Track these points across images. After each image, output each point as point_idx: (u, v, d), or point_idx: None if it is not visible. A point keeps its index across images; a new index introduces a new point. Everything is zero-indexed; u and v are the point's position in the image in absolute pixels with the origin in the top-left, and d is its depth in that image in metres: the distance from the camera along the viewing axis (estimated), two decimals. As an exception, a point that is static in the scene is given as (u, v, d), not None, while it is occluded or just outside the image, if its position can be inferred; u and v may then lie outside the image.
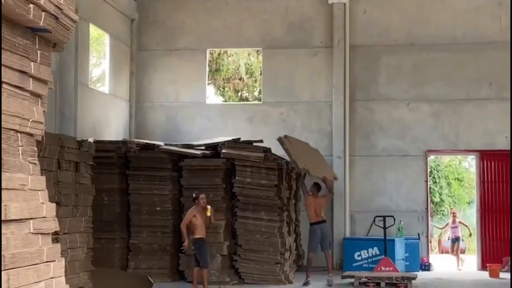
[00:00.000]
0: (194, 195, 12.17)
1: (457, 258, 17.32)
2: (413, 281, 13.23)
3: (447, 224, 18.40)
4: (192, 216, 11.91)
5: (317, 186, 14.27)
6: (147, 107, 18.04)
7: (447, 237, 27.90)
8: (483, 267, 16.56)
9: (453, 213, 18.10)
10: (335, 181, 15.48)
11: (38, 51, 4.96)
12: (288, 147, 13.51)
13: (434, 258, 18.71)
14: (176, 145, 14.82)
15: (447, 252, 24.43)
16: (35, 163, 4.81)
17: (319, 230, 13.83)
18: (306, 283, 13.36)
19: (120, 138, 16.10)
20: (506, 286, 13.69)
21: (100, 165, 11.61)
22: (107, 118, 16.57)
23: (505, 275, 15.38)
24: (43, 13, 4.74)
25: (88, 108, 15.22)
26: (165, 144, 14.72)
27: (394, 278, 13.28)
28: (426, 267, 16.62)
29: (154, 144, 14.64)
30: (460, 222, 17.94)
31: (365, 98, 17.46)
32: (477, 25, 17.18)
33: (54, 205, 4.87)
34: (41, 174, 4.96)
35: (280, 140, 13.62)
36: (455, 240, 17.50)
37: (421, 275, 15.28)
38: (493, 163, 17.05)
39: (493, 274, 15.25)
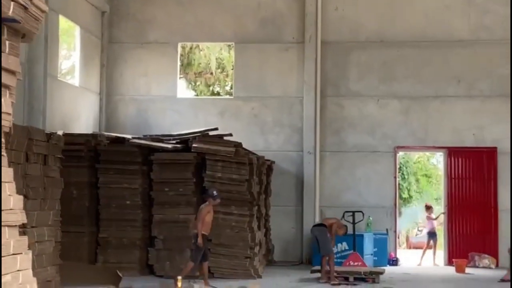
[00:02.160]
0: (211, 193, 12.18)
1: (434, 252, 17.41)
2: (380, 276, 13.35)
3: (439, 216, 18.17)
4: (207, 213, 12.02)
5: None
6: (117, 100, 17.91)
7: (415, 233, 28.39)
8: (449, 262, 16.77)
9: (428, 207, 18.11)
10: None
11: (7, 42, 4.88)
12: None
13: (402, 254, 18.87)
14: (146, 139, 14.74)
15: (415, 248, 24.72)
16: (2, 155, 4.74)
17: (313, 234, 14.03)
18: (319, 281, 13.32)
19: (90, 131, 15.96)
20: (472, 281, 13.89)
21: (69, 158, 11.50)
22: (77, 111, 16.40)
23: (471, 271, 15.61)
24: (12, 3, 4.67)
25: (57, 100, 15.05)
26: (135, 138, 14.62)
27: (362, 273, 13.40)
28: (394, 262, 16.76)
29: (124, 138, 14.54)
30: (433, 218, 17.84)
31: (335, 94, 17.53)
32: (447, 23, 17.34)
33: (21, 197, 4.81)
34: (9, 167, 4.89)
35: None
36: (432, 233, 17.57)
37: (389, 270, 15.41)
38: (460, 160, 17.25)
39: (459, 270, 15.45)
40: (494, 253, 16.71)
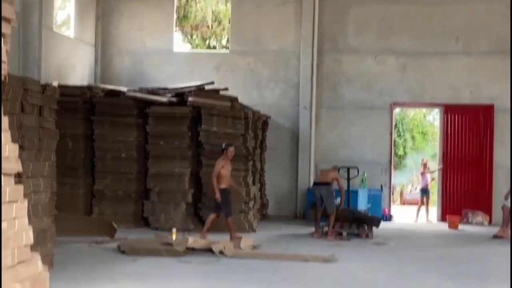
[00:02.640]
0: (223, 146, 12.31)
1: (427, 209, 17.57)
2: (374, 231, 13.50)
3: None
4: (221, 167, 12.10)
5: (334, 166, 14.30)
6: (113, 53, 17.81)
7: (410, 189, 28.61)
8: (443, 218, 16.94)
9: (424, 163, 18.19)
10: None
11: (0, -12, 4.83)
12: None
13: (396, 210, 19.05)
14: (142, 92, 14.71)
15: (409, 204, 24.92)
16: (-2, 103, 4.74)
17: (317, 192, 13.49)
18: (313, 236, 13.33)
19: (85, 83, 15.91)
20: (464, 237, 14.06)
21: (64, 110, 11.43)
22: (72, 62, 16.33)
23: (464, 227, 15.78)
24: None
25: (52, 51, 14.97)
26: (131, 90, 14.59)
27: (356, 228, 13.51)
28: (388, 218, 16.93)
29: (119, 90, 14.51)
30: (430, 173, 17.88)
31: (333, 49, 17.45)
32: (447, -22, 17.20)
33: (17, 146, 4.83)
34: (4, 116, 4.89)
35: None
36: (425, 190, 17.69)
37: (382, 225, 15.56)
38: (457, 117, 17.27)
39: (452, 226, 15.61)
40: (487, 210, 16.87)
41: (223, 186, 12.05)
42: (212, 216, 12.14)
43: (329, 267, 9.51)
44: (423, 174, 17.90)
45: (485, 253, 11.48)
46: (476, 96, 17.11)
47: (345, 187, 14.36)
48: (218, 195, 11.91)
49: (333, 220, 13.22)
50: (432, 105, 17.98)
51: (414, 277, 8.90)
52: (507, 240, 13.28)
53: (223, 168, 12.13)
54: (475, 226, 16.26)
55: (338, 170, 15.45)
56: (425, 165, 17.99)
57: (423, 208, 17.53)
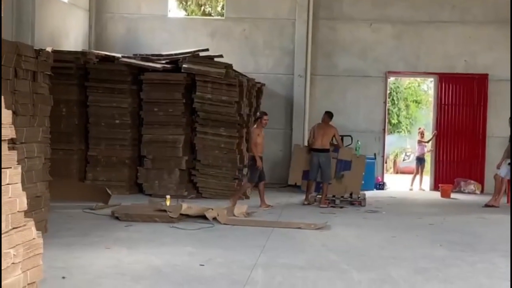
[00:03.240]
0: (258, 115, 12.95)
1: (421, 177, 17.66)
2: (367, 199, 13.58)
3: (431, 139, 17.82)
4: (257, 135, 12.52)
5: (329, 115, 13.83)
6: (107, 18, 17.66)
7: (403, 158, 28.71)
8: (435, 187, 17.04)
9: (421, 132, 18.20)
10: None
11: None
12: None
13: (389, 178, 19.13)
14: (136, 58, 14.64)
15: (402, 173, 25.06)
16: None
17: (316, 158, 13.40)
18: (304, 203, 13.38)
19: (79, 49, 15.80)
20: (456, 206, 14.15)
21: (58, 76, 11.38)
22: (66, 28, 16.19)
23: (456, 196, 15.88)
24: None
25: (46, 16, 14.83)
26: (125, 57, 14.50)
27: (349, 196, 13.59)
28: (381, 186, 17.01)
29: (114, 56, 14.42)
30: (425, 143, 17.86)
31: (328, 17, 17.35)
32: None
33: (10, 112, 4.80)
34: (-3, 81, 4.86)
35: None
36: (421, 159, 17.75)
37: (376, 193, 15.68)
38: (451, 86, 17.28)
39: (445, 194, 15.71)
40: (480, 179, 16.99)
41: (260, 154, 12.45)
42: (248, 185, 12.68)
43: (322, 234, 9.58)
44: (419, 142, 17.94)
45: (476, 222, 11.57)
46: (470, 66, 17.11)
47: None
48: (260, 163, 12.34)
49: (326, 188, 13.27)
50: (427, 74, 17.95)
51: (406, 244, 8.98)
52: (498, 209, 13.40)
53: (259, 136, 12.52)
54: (467, 195, 16.38)
55: (332, 139, 15.47)
56: (422, 134, 18.01)
57: (418, 176, 17.63)
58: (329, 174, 13.51)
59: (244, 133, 14.16)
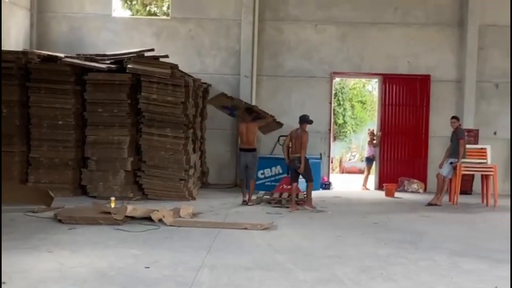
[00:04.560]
0: (308, 119, 13.30)
1: (366, 177, 17.88)
2: (312, 199, 13.65)
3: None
4: (307, 138, 13.12)
5: (249, 111, 13.82)
6: (49, 17, 17.34)
7: (349, 158, 29.01)
8: (380, 187, 17.26)
9: (371, 133, 18.39)
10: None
11: None
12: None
13: (335, 178, 19.30)
14: (79, 58, 14.41)
15: (348, 173, 25.34)
16: None
17: (243, 158, 13.50)
18: (244, 203, 13.36)
19: (20, 49, 15.47)
20: (400, 204, 14.35)
21: (-2, 76, 11.20)
22: (6, 27, 15.81)
23: (400, 195, 16.13)
24: None
25: (-15, 15, 14.46)
26: (68, 57, 14.27)
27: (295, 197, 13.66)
28: (327, 186, 17.15)
29: (56, 56, 14.17)
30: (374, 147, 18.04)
31: (274, 18, 17.42)
32: None
33: None
34: None
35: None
36: (370, 159, 17.96)
37: (322, 193, 15.80)
38: (394, 87, 17.54)
39: (389, 194, 15.93)
40: (423, 178, 17.29)
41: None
42: (295, 185, 13.13)
43: (268, 234, 9.60)
44: (369, 143, 18.15)
45: (419, 221, 11.76)
46: (413, 67, 17.40)
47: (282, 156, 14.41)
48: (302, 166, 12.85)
49: (253, 185, 13.55)
50: (371, 75, 18.16)
51: (352, 243, 9.06)
52: (440, 207, 13.66)
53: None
54: (410, 193, 16.65)
55: (278, 139, 15.60)
56: (372, 134, 18.21)
57: (367, 176, 17.86)
58: (255, 172, 13.83)
59: (191, 134, 14.08)
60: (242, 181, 13.82)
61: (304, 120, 13.26)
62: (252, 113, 13.88)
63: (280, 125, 15.12)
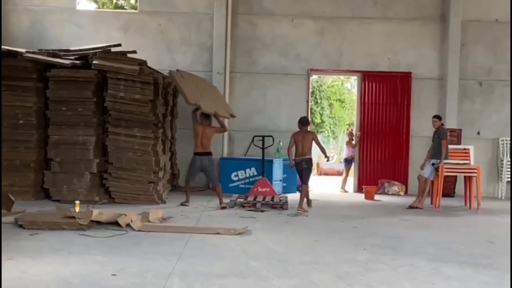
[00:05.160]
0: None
1: (345, 179, 17.99)
2: (289, 202, 13.72)
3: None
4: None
5: (206, 116, 13.92)
6: (9, 10, 17.19)
7: (327, 159, 29.12)
8: (359, 189, 17.37)
9: (350, 133, 18.49)
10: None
11: None
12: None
13: (311, 180, 19.32)
14: (42, 53, 14.30)
15: (326, 175, 25.45)
16: None
17: (199, 162, 13.58)
18: (183, 204, 13.46)
19: (-22, 44, 15.32)
20: (379, 207, 14.45)
21: (-46, 72, 11.08)
22: (-36, 20, 15.68)
23: (380, 197, 16.25)
24: None
25: None
26: (30, 52, 14.15)
27: (270, 200, 13.72)
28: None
29: (17, 51, 14.03)
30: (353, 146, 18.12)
31: (248, 12, 17.45)
32: None
33: None
34: None
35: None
36: (349, 160, 18.06)
37: (298, 196, 15.81)
38: (374, 85, 17.67)
39: (368, 196, 16.04)
40: (403, 180, 17.45)
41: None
42: (305, 186, 13.62)
43: (241, 239, 9.60)
44: (348, 144, 18.23)
45: (400, 224, 11.85)
46: (394, 64, 17.55)
47: (257, 156, 14.49)
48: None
49: (219, 190, 13.64)
50: (350, 72, 18.28)
51: (329, 249, 9.10)
52: (422, 211, 13.78)
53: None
54: (391, 196, 16.79)
55: (253, 139, 15.63)
56: (351, 134, 18.30)
57: (346, 177, 17.95)
58: (216, 176, 14.03)
59: (160, 134, 14.05)
60: (188, 182, 13.82)
61: (307, 122, 13.90)
62: (209, 118, 13.90)
63: (232, 116, 15.29)
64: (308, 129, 13.76)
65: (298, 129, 13.35)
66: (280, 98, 17.50)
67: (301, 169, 13.52)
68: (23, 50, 14.16)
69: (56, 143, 13.47)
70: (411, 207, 14.20)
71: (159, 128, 14.01)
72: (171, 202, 13.82)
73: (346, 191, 17.79)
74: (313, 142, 13.40)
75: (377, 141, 17.76)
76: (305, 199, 13.54)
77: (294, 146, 13.37)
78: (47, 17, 17.24)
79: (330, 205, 14.79)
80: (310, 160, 13.54)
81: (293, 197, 15.10)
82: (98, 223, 10.19)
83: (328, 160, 14.46)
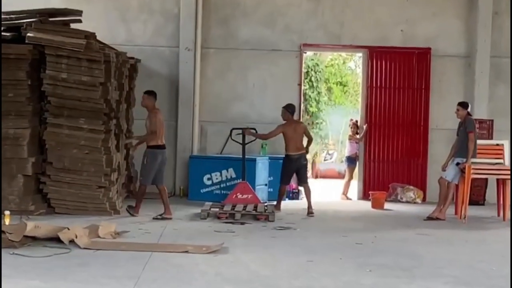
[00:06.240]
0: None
1: (347, 183, 18.06)
2: (275, 213, 13.77)
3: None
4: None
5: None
6: None
7: (324, 157, 29.19)
8: (365, 195, 17.41)
9: (354, 125, 18.52)
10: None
11: None
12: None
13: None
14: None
15: (324, 177, 25.51)
16: None
17: (160, 157, 13.81)
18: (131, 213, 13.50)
19: None
20: (390, 219, 14.52)
21: None
22: None
23: (391, 206, 16.29)
24: None
25: None
26: None
27: (253, 209, 13.75)
28: (295, 195, 17.24)
29: None
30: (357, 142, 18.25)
31: (224, -29, 17.50)
32: None
33: None
34: None
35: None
36: (353, 159, 18.12)
37: (288, 204, 15.88)
38: (384, 64, 17.69)
39: (377, 205, 16.06)
40: (421, 184, 17.50)
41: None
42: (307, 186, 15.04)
43: (216, 259, 9.62)
44: (351, 138, 18.26)
45: (416, 240, 11.91)
46: (408, 37, 17.61)
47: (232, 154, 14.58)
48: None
49: (165, 192, 13.77)
50: (353, 47, 18.30)
51: (326, 271, 9.14)
52: (444, 223, 13.85)
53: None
54: (405, 204, 16.84)
55: (230, 133, 15.66)
56: (355, 126, 18.32)
57: (349, 181, 18.02)
58: (140, 173, 14.17)
59: (113, 126, 14.02)
60: (145, 188, 13.80)
61: (295, 110, 15.22)
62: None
63: None
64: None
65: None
66: (266, 81, 17.51)
67: (299, 167, 14.27)
68: None
69: (-20, 137, 13.44)
70: (430, 218, 14.26)
71: (112, 119, 13.99)
72: (126, 212, 13.79)
73: (348, 198, 17.85)
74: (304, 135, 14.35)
75: (387, 134, 17.80)
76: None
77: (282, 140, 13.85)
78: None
79: (328, 216, 14.84)
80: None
81: (282, 205, 15.13)
82: (34, 239, 10.17)
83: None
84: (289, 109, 14.89)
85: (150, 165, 13.63)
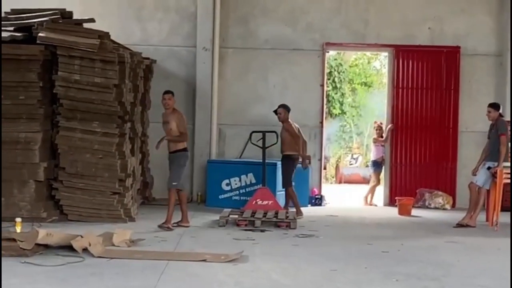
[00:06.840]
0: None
1: (373, 188, 18.02)
2: (298, 220, 13.77)
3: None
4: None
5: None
6: None
7: (349, 162, 29.17)
8: (391, 201, 17.37)
9: (378, 127, 18.49)
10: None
11: None
12: None
13: (329, 190, 19.38)
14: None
15: (348, 182, 25.49)
16: None
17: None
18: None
19: None
20: (418, 226, 14.48)
21: None
22: None
23: (418, 212, 16.25)
24: None
25: None
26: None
27: (274, 216, 13.76)
28: (317, 201, 17.23)
29: None
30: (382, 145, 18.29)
31: (243, -32, 17.53)
32: None
33: None
34: None
35: None
36: (378, 163, 18.10)
37: (310, 211, 15.88)
38: (411, 63, 17.66)
39: (403, 211, 16.03)
40: (450, 190, 17.45)
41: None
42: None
43: (235, 268, 9.63)
44: (376, 141, 18.24)
45: (445, 248, 11.87)
46: (436, 35, 17.58)
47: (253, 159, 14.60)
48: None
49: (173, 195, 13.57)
50: (379, 46, 18.28)
51: (351, 280, 9.13)
52: (474, 230, 13.80)
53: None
54: (433, 210, 16.80)
55: (250, 136, 15.67)
56: (379, 129, 18.30)
57: (375, 186, 17.98)
58: (172, 177, 13.45)
59: (128, 129, 14.07)
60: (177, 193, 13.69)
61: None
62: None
63: None
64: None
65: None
66: (286, 82, 17.52)
67: (295, 167, 14.87)
68: None
69: (-10, 141, 13.52)
70: (460, 225, 14.22)
71: (126, 122, 14.03)
72: (142, 219, 13.84)
73: (374, 205, 17.81)
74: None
75: (414, 137, 17.77)
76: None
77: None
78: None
79: (353, 223, 14.82)
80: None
81: (305, 211, 15.13)
82: (46, 247, 10.22)
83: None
84: (288, 109, 14.99)
85: (183, 168, 13.58)
